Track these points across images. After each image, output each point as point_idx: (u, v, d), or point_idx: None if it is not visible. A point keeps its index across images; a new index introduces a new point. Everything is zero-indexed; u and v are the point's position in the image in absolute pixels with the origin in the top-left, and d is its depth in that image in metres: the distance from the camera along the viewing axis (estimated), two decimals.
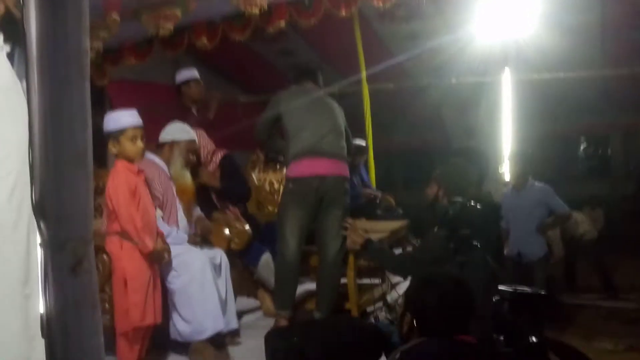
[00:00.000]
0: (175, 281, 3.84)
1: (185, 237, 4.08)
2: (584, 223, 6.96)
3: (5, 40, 3.08)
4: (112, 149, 3.65)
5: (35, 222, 2.87)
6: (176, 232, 4.02)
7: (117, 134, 3.64)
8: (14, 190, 2.97)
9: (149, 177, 3.98)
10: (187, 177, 4.37)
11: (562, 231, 6.37)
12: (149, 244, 3.55)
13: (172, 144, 4.27)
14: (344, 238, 4.14)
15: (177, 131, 4.31)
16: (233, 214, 4.81)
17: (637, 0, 6.22)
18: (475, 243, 3.57)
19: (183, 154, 4.30)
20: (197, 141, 4.52)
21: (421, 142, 11.60)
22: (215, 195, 4.83)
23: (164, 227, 3.92)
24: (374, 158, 6.75)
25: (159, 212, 3.95)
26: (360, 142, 6.47)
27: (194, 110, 5.39)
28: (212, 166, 4.85)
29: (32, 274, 3.02)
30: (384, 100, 8.13)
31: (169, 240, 3.83)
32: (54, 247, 1.66)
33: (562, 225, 6.08)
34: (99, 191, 3.99)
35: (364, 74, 6.54)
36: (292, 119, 4.17)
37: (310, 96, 4.28)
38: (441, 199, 3.86)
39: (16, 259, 2.97)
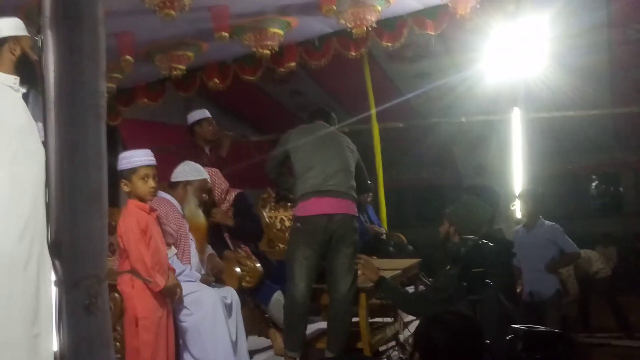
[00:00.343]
0: (186, 319, 3.83)
1: (198, 275, 4.08)
2: (597, 261, 6.91)
3: (21, 82, 3.13)
4: (125, 187, 3.68)
5: (45, 261, 2.94)
6: (189, 269, 4.03)
7: (129, 173, 3.67)
8: (26, 230, 2.99)
9: (162, 215, 4.00)
10: (201, 216, 4.40)
11: (576, 269, 6.31)
12: (160, 282, 3.56)
13: (186, 183, 4.31)
14: (355, 276, 4.13)
15: (190, 171, 4.35)
16: (244, 252, 4.81)
17: None
18: (487, 281, 3.55)
19: (196, 193, 4.33)
20: (210, 180, 4.56)
21: (431, 179, 11.62)
22: (228, 234, 4.84)
23: (177, 265, 3.92)
24: (385, 195, 6.77)
25: (173, 250, 3.96)
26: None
27: (207, 150, 5.44)
28: (226, 205, 4.87)
29: (41, 313, 3.02)
30: (394, 138, 8.20)
31: (181, 277, 3.83)
32: (68, 285, 1.67)
33: (571, 264, 6.04)
34: (112, 230, 4.02)
35: (373, 113, 6.61)
36: (300, 157, 4.20)
37: (319, 134, 4.30)
38: (452, 237, 3.85)
39: (26, 298, 2.98)
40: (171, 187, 4.28)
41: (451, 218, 3.88)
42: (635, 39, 6.30)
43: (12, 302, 2.93)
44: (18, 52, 3.09)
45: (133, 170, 3.67)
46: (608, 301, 7.13)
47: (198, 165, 4.42)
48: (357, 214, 4.20)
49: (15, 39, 3.10)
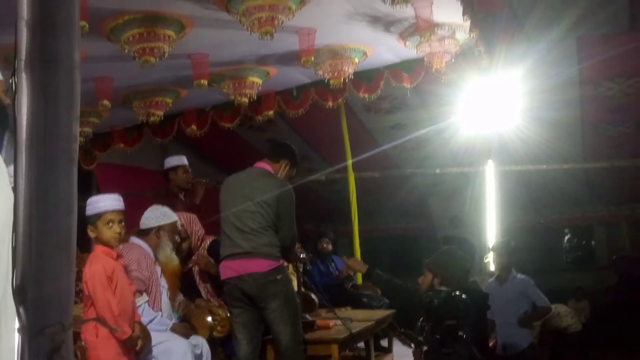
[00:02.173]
0: None
1: (170, 322, 4.01)
2: (566, 316, 6.94)
3: None
4: (91, 233, 3.63)
5: (8, 307, 2.86)
6: (160, 317, 3.95)
7: (95, 219, 3.63)
8: None
9: (133, 261, 3.94)
10: (175, 260, 4.35)
11: (545, 324, 6.32)
12: (127, 330, 3.48)
13: (158, 228, 4.25)
14: (294, 325, 4.05)
15: (160, 215, 4.30)
16: (216, 301, 4.74)
17: (612, 101, 6.46)
18: (460, 334, 3.52)
19: (170, 237, 4.29)
20: (187, 226, 4.53)
21: (407, 229, 11.65)
22: (207, 282, 4.77)
23: (148, 312, 3.85)
24: (360, 244, 6.77)
25: (144, 297, 3.90)
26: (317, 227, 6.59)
27: (181, 196, 5.41)
28: (201, 251, 4.82)
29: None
30: (370, 187, 8.24)
31: (151, 326, 3.75)
32: (32, 332, 1.62)
33: (543, 319, 6.05)
34: (79, 276, 3.94)
35: (349, 162, 6.66)
36: (222, 212, 4.20)
37: (238, 185, 4.23)
38: (438, 288, 3.83)
39: None
40: (143, 234, 4.21)
41: (434, 268, 3.87)
42: (605, 96, 6.45)
43: None
44: None
45: (98, 216, 3.63)
46: (580, 356, 7.13)
47: (166, 209, 4.36)
48: (271, 268, 4.03)
49: None
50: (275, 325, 4.03)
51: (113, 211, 3.65)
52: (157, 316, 3.92)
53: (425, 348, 3.64)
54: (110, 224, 3.63)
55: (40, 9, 1.58)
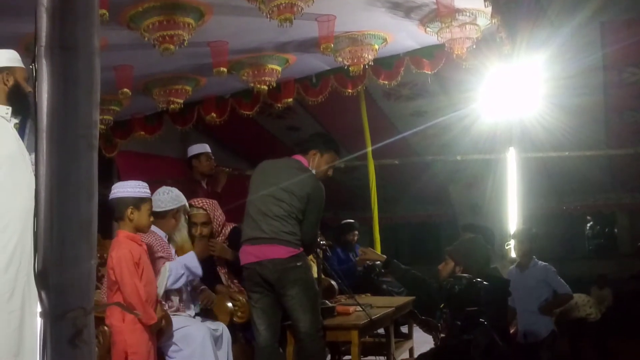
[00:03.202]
0: (175, 355, 3.78)
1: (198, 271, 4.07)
2: (584, 306, 6.86)
3: (14, 112, 3.15)
4: (130, 215, 3.64)
5: (31, 292, 2.90)
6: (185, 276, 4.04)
7: (141, 202, 3.67)
8: (12, 261, 2.97)
9: (155, 244, 3.99)
10: (190, 243, 4.39)
11: (563, 314, 6.27)
12: (153, 315, 3.52)
13: (176, 211, 4.26)
14: (313, 312, 4.06)
15: (175, 197, 4.27)
16: (237, 287, 4.77)
17: (636, 87, 6.36)
18: (481, 320, 3.52)
19: (184, 218, 4.33)
20: (204, 208, 4.56)
21: (427, 217, 11.61)
22: (227, 268, 4.80)
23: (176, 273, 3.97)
24: (380, 232, 6.76)
25: (166, 265, 3.97)
26: (349, 220, 6.80)
27: (203, 184, 5.45)
28: (222, 238, 4.85)
29: (25, 345, 2.97)
30: (390, 175, 8.22)
31: (171, 311, 3.80)
32: (53, 317, 1.65)
33: (564, 306, 6.01)
34: (102, 262, 3.98)
35: (369, 150, 6.63)
36: (250, 196, 4.24)
37: (271, 173, 4.26)
38: (459, 275, 3.82)
39: (9, 330, 2.94)
40: (159, 216, 4.20)
41: (456, 256, 3.86)
42: (629, 82, 6.36)
43: None
44: (11, 82, 3.14)
45: (144, 200, 3.69)
46: (596, 346, 7.07)
47: (176, 191, 4.37)
48: (291, 255, 4.05)
49: (8, 69, 3.15)
50: (294, 312, 4.05)
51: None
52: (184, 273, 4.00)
53: (442, 335, 3.65)
54: (150, 211, 3.72)
55: None
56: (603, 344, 7.04)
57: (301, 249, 4.12)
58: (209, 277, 4.58)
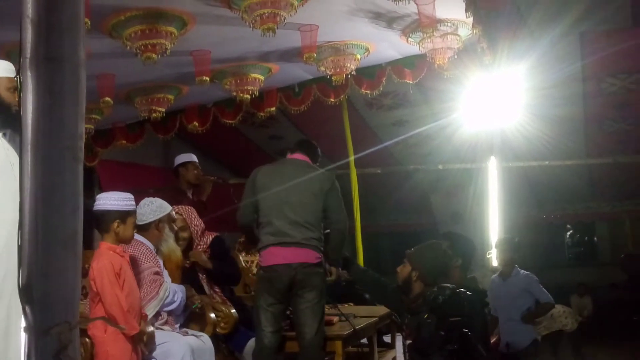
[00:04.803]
0: None
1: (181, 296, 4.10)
2: (560, 317, 6.93)
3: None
4: (116, 228, 3.61)
5: (17, 305, 2.85)
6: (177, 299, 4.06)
7: (127, 215, 3.65)
8: None
9: (142, 256, 3.96)
10: (178, 251, 4.38)
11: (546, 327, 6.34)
12: (135, 325, 3.49)
13: (158, 222, 4.23)
14: (321, 322, 4.11)
15: (156, 209, 4.25)
16: (219, 297, 4.74)
17: (615, 97, 6.44)
18: (465, 330, 3.51)
19: (170, 227, 4.30)
20: (179, 214, 4.55)
21: (409, 225, 11.63)
22: (205, 276, 4.77)
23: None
24: (362, 241, 6.76)
25: (165, 286, 3.96)
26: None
27: (189, 193, 5.43)
28: (202, 247, 4.82)
29: (10, 356, 2.93)
30: (372, 184, 8.23)
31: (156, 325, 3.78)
32: (38, 332, 1.62)
33: (546, 315, 6.05)
34: (84, 273, 3.94)
35: (352, 159, 6.64)
36: (263, 207, 4.20)
37: (287, 172, 4.28)
38: (414, 283, 3.81)
39: None
40: (142, 229, 4.17)
41: (413, 260, 3.83)
42: (609, 92, 6.44)
43: None
44: None
45: (130, 214, 3.67)
46: (574, 355, 7.15)
47: (160, 200, 4.34)
48: (318, 261, 4.14)
49: None
50: (305, 317, 4.06)
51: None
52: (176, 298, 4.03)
53: (408, 341, 3.65)
54: (134, 224, 3.70)
55: (46, 6, 1.57)
56: (580, 352, 7.12)
57: (322, 255, 4.20)
58: (192, 286, 4.55)
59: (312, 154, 4.51)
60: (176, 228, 4.45)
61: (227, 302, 4.68)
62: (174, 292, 4.04)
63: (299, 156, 4.42)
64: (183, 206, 4.80)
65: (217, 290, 4.82)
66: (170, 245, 4.27)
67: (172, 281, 4.22)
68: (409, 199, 9.79)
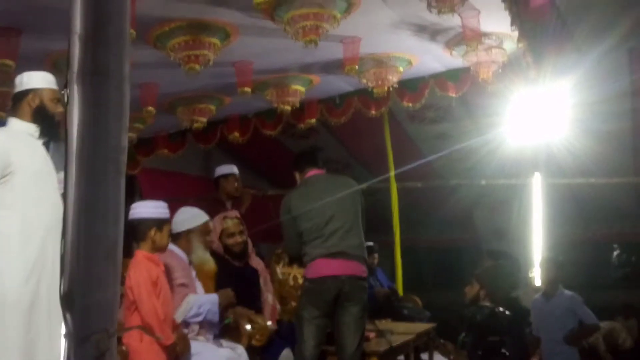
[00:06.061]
0: None
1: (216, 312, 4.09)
2: (622, 332, 6.74)
3: (41, 133, 3.22)
4: (153, 236, 3.66)
5: (49, 309, 2.93)
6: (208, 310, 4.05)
7: (163, 223, 3.71)
8: (32, 273, 3.02)
9: (175, 268, 3.98)
10: (210, 261, 4.40)
11: (604, 340, 6.16)
12: (171, 336, 3.51)
13: (188, 232, 4.27)
14: (362, 336, 4.12)
15: (190, 218, 4.31)
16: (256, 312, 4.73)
17: None
18: (503, 351, 3.46)
19: (201, 239, 4.33)
20: (237, 219, 4.69)
21: (450, 241, 11.47)
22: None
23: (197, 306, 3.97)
24: (402, 256, 6.70)
25: (190, 296, 3.97)
26: (368, 242, 6.64)
27: (228, 205, 5.47)
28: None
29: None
30: (414, 198, 8.15)
31: (190, 336, 3.79)
32: (78, 339, 1.65)
33: (590, 337, 5.89)
34: (121, 281, 3.99)
35: (392, 172, 6.60)
36: (306, 224, 4.20)
37: (318, 189, 4.29)
38: (482, 300, 3.80)
39: (29, 337, 2.98)
40: (175, 238, 4.22)
41: (483, 280, 3.84)
42: None
43: (8, 340, 2.93)
44: (36, 103, 3.21)
45: (165, 221, 3.75)
46: None
47: (196, 210, 4.39)
48: (366, 275, 4.20)
49: (35, 91, 3.22)
50: (347, 330, 4.07)
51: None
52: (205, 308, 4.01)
53: None
54: (170, 232, 3.80)
55: (93, 22, 1.60)
56: None
57: None
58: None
59: (320, 162, 4.51)
60: (210, 240, 4.48)
61: (263, 315, 4.68)
62: (199, 306, 4.02)
63: (316, 171, 4.42)
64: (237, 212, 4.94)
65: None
66: (200, 255, 4.30)
67: (206, 291, 4.24)
68: (451, 214, 9.67)
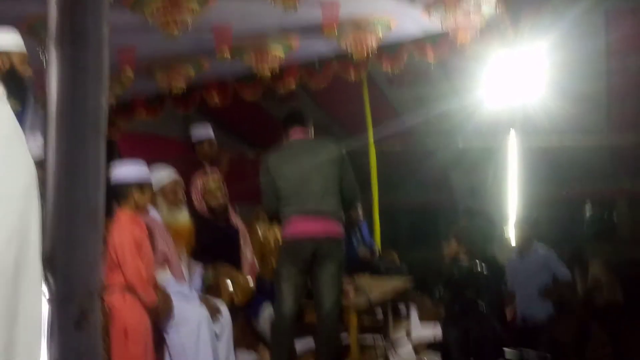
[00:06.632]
0: (172, 335, 3.83)
1: (196, 294, 4.11)
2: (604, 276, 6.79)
3: (12, 96, 3.16)
4: (136, 197, 3.68)
5: (31, 273, 2.93)
6: (188, 288, 4.06)
7: (143, 184, 3.72)
8: (11, 237, 3.01)
9: (152, 228, 4.02)
10: (179, 217, 4.43)
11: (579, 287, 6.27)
12: (154, 297, 3.57)
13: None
14: (339, 293, 4.23)
15: (156, 177, 4.33)
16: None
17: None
18: (480, 305, 3.56)
19: (168, 197, 4.36)
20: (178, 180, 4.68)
21: (427, 202, 11.58)
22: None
23: (172, 284, 3.94)
24: (380, 215, 6.77)
25: (167, 272, 3.99)
26: None
27: (207, 167, 5.51)
28: None
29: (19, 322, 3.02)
30: (392, 160, 8.21)
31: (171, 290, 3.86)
32: (60, 301, 1.68)
33: (563, 292, 6.03)
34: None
35: (371, 135, 6.64)
36: (283, 184, 4.30)
37: (297, 155, 4.36)
38: (462, 257, 3.88)
39: (14, 301, 2.99)
40: None
41: (461, 237, 3.91)
42: (633, 69, 6.34)
43: None
44: (7, 66, 3.14)
45: (147, 181, 3.82)
46: (610, 333, 7.07)
47: (162, 171, 4.42)
48: (342, 236, 4.26)
49: (6, 54, 3.15)
50: (325, 287, 4.17)
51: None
52: (184, 289, 4.02)
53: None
54: (151, 191, 3.85)
55: None
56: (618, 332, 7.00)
57: None
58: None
59: (308, 122, 4.63)
60: (180, 197, 4.52)
61: (244, 273, 4.76)
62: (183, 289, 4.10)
63: (300, 132, 4.48)
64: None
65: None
66: (165, 214, 4.37)
67: (181, 248, 4.30)
68: (428, 176, 9.75)
